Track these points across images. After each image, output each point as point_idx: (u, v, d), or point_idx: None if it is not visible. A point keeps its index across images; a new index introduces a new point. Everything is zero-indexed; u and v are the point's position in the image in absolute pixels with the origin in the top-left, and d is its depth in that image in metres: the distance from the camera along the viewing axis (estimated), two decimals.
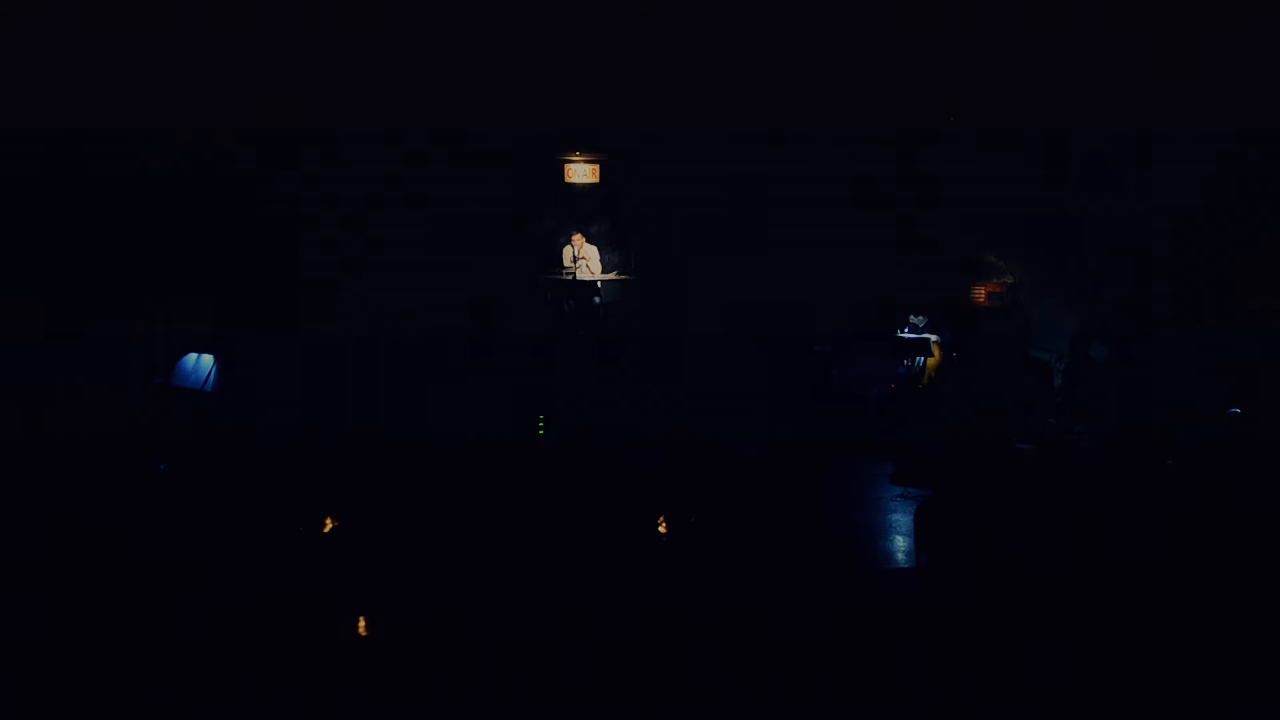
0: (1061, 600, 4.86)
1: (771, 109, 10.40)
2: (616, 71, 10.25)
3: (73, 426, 7.77)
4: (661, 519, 6.45)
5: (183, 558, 5.39)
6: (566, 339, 10.36)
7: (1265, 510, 5.77)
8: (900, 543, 6.12)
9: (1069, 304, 9.99)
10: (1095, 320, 9.53)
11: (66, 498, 6.42)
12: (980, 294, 10.86)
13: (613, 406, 8.82)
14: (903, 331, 10.22)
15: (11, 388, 8.07)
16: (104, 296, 9.31)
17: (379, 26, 9.47)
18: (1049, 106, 9.47)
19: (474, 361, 9.39)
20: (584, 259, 10.75)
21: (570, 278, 10.63)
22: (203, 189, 10.12)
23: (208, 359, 8.77)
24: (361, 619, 4.79)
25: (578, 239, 10.82)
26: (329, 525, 6.20)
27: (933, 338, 10.05)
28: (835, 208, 10.88)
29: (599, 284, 10.77)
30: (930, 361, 9.99)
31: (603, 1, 9.37)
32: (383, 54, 9.71)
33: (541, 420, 8.67)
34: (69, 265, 9.36)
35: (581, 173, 11.45)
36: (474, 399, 8.72)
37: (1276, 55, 7.76)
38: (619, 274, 10.97)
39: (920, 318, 10.24)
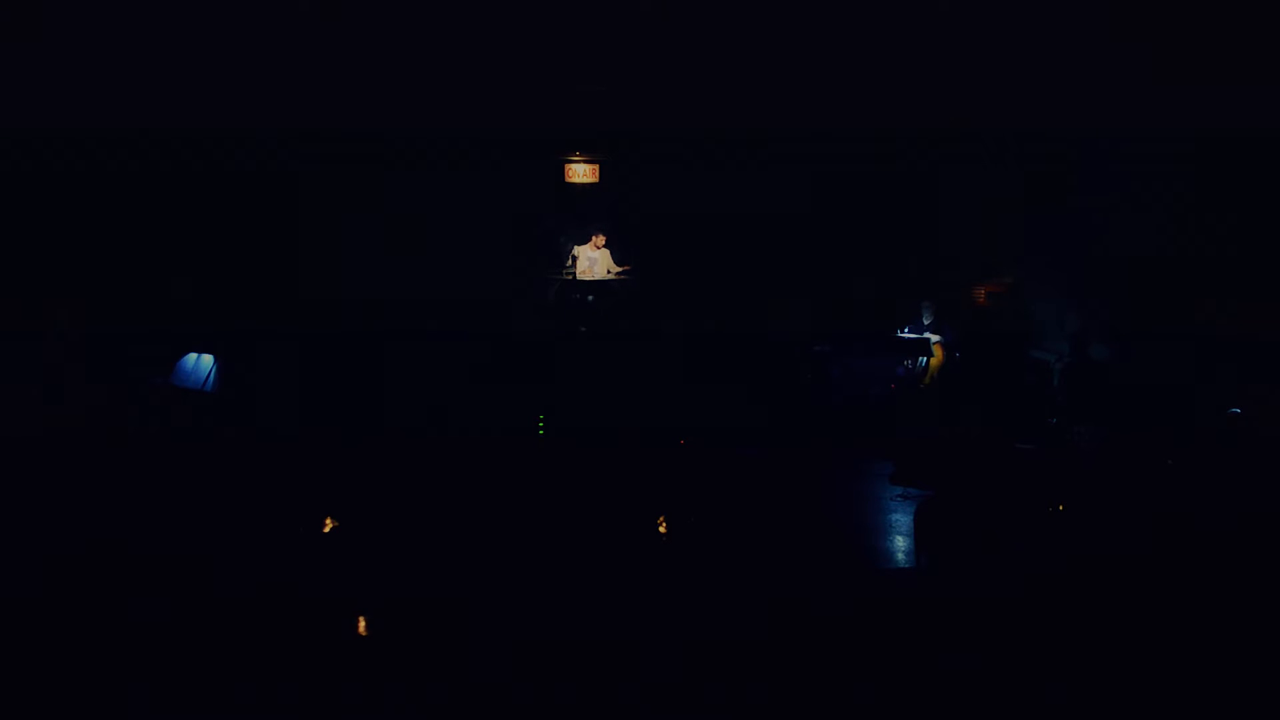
0: (1062, 600, 4.86)
1: (772, 109, 10.41)
2: (618, 72, 10.25)
3: (72, 426, 7.78)
4: (662, 519, 6.45)
5: (181, 558, 5.39)
6: (567, 339, 10.36)
7: (1265, 510, 5.77)
8: (900, 543, 6.12)
9: (1069, 304, 9.99)
10: (1095, 320, 9.53)
11: (65, 498, 6.42)
12: (980, 294, 10.87)
13: (612, 406, 8.81)
14: (903, 331, 10.22)
15: (12, 387, 8.07)
16: (103, 296, 9.31)
17: (380, 27, 9.48)
18: (1048, 106, 9.47)
19: (474, 361, 9.39)
20: (594, 259, 10.75)
21: (570, 278, 10.64)
22: (202, 188, 10.14)
23: (208, 359, 8.77)
24: (361, 620, 4.79)
25: (598, 239, 10.82)
26: (329, 525, 6.20)
27: (933, 338, 10.05)
28: (836, 207, 10.91)
29: (601, 284, 10.78)
30: (931, 361, 9.99)
31: (605, 1, 9.37)
32: (383, 54, 9.72)
33: (542, 420, 8.67)
34: (68, 265, 9.37)
35: (581, 173, 11.46)
36: (474, 398, 8.71)
37: (1275, 55, 7.76)
38: (619, 274, 10.97)
39: (920, 318, 10.24)
